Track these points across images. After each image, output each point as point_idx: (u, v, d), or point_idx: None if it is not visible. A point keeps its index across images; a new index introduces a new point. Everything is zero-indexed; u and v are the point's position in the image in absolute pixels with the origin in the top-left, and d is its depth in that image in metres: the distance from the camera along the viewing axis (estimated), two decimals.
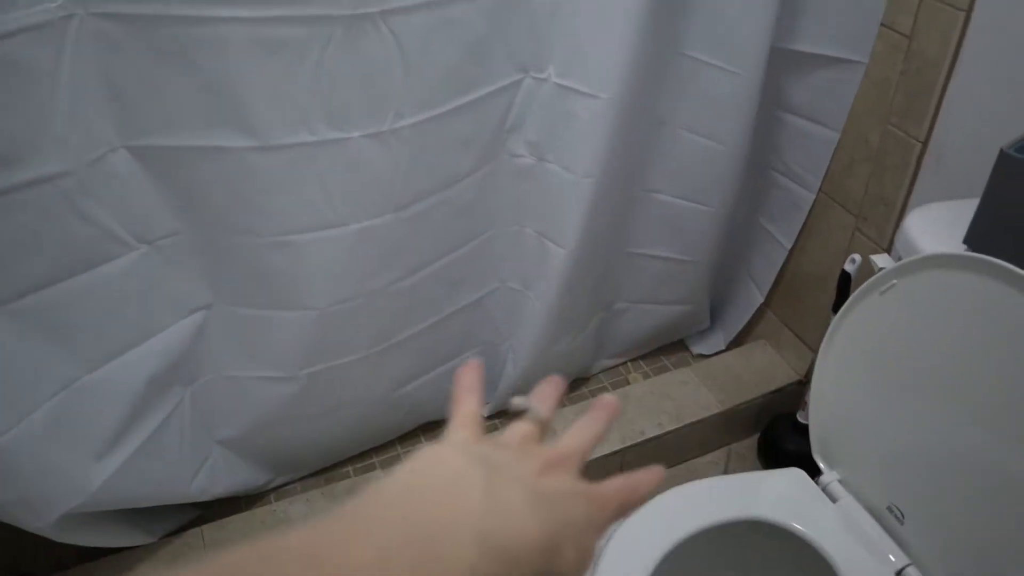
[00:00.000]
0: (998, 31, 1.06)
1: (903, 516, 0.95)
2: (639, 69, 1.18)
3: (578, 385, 1.70)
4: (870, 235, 1.36)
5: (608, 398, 0.43)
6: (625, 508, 0.38)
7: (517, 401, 0.41)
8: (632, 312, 1.64)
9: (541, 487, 0.35)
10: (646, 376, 1.73)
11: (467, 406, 0.40)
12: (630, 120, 1.24)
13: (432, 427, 1.57)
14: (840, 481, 1.03)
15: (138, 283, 1.05)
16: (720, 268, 1.66)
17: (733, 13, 1.22)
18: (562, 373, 1.50)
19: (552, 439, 0.41)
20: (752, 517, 0.99)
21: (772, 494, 1.03)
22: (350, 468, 1.51)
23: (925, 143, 1.21)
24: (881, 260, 1.00)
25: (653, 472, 0.40)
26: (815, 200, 1.45)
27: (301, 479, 1.48)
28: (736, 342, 1.75)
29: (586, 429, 0.41)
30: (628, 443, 1.45)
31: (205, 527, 1.31)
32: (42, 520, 1.03)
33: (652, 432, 1.48)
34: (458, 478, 0.33)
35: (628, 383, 1.70)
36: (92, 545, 1.17)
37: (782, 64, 1.34)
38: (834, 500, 1.02)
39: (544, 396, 0.43)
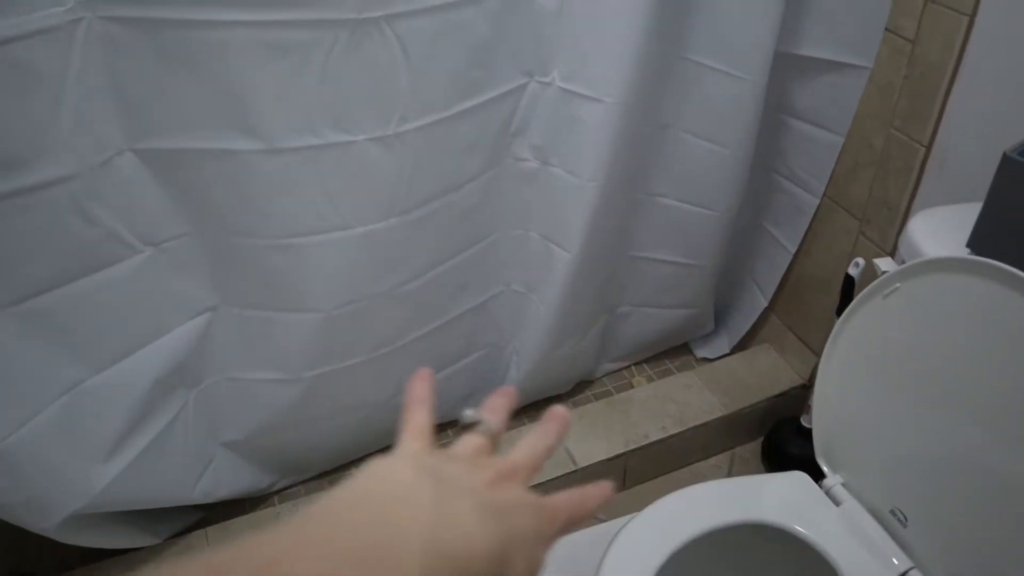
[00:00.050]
0: (1002, 35, 1.06)
1: (906, 519, 0.95)
2: (643, 73, 1.19)
3: (582, 388, 1.70)
4: (874, 239, 1.36)
5: (559, 409, 0.43)
6: (574, 521, 0.39)
7: (468, 413, 0.42)
8: (636, 316, 1.64)
9: (491, 499, 0.35)
10: (650, 379, 1.73)
11: (418, 417, 0.41)
12: (634, 124, 1.24)
13: (434, 430, 1.57)
14: (843, 484, 1.03)
15: (144, 285, 1.05)
16: (724, 272, 1.67)
17: (737, 17, 1.22)
18: (566, 376, 1.50)
19: (503, 451, 0.41)
20: (755, 520, 0.99)
21: (775, 497, 1.03)
22: (353, 471, 1.50)
23: (929, 147, 1.21)
24: (884, 264, 1.00)
25: (602, 487, 0.41)
26: (819, 204, 1.45)
27: (305, 482, 1.48)
28: (740, 346, 1.75)
29: (537, 441, 0.41)
30: (632, 447, 1.45)
31: (209, 529, 1.31)
32: (47, 521, 1.04)
33: (656, 436, 1.48)
34: (408, 490, 0.33)
35: (632, 386, 1.70)
36: (96, 546, 1.17)
37: (786, 68, 1.34)
38: (837, 503, 1.02)
39: (496, 408, 0.43)
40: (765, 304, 1.64)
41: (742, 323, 1.72)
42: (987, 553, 0.87)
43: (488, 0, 1.06)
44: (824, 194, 1.44)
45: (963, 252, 0.91)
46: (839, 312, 1.03)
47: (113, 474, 1.09)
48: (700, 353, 1.79)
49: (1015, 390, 0.80)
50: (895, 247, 1.28)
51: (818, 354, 1.43)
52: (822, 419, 1.06)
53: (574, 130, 1.22)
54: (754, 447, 1.61)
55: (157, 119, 0.95)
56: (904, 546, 0.95)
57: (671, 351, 1.79)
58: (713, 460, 1.60)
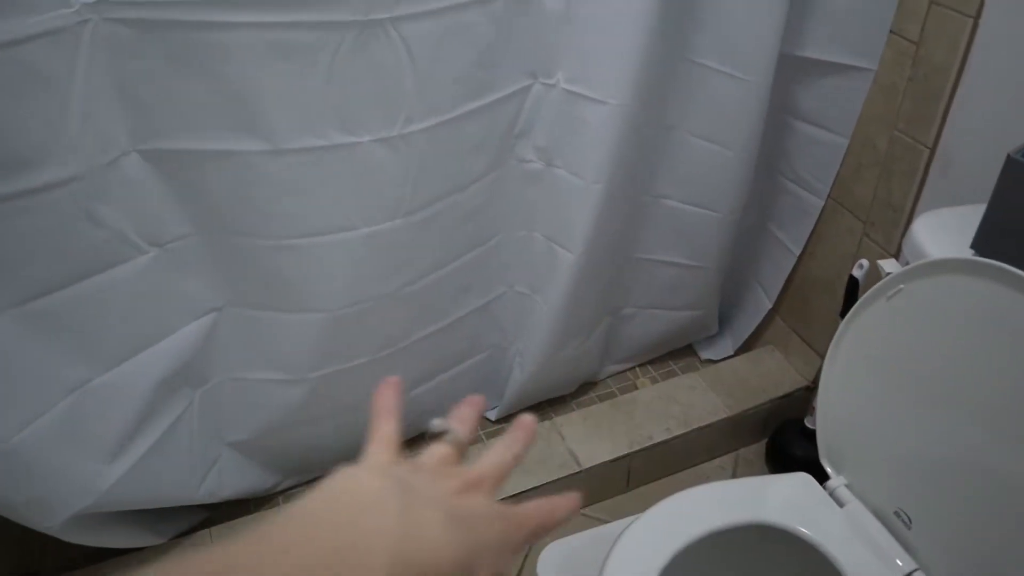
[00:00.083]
0: (1006, 37, 1.06)
1: (910, 521, 0.95)
2: (648, 75, 1.19)
3: (586, 389, 1.70)
4: (878, 240, 1.36)
5: (527, 419, 0.43)
6: (540, 531, 0.39)
7: (436, 423, 0.42)
8: (640, 317, 1.64)
9: (457, 508, 0.35)
10: (654, 381, 1.73)
11: (385, 427, 0.40)
12: (638, 126, 1.24)
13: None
14: (847, 486, 1.03)
15: (149, 286, 1.05)
16: (729, 273, 1.67)
17: (741, 19, 1.22)
18: (570, 378, 1.50)
19: (470, 461, 0.41)
20: (759, 521, 0.99)
21: (779, 498, 1.02)
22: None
23: (933, 149, 1.21)
24: (889, 265, 1.00)
25: (569, 498, 0.41)
26: (823, 206, 1.45)
27: (309, 482, 1.48)
28: (744, 347, 1.75)
29: (504, 450, 0.42)
30: (636, 448, 1.45)
31: (213, 528, 1.32)
32: (52, 520, 1.04)
33: (660, 437, 1.48)
34: (374, 499, 0.33)
35: (636, 388, 1.71)
36: (101, 546, 1.17)
37: (791, 70, 1.34)
38: (841, 505, 1.01)
39: (463, 418, 0.43)
40: (769, 306, 1.64)
41: (746, 325, 1.72)
42: (991, 554, 0.87)
43: (493, 2, 1.06)
44: (828, 196, 1.44)
45: (967, 254, 0.91)
46: (843, 314, 1.03)
47: (118, 474, 1.09)
48: (704, 355, 1.79)
49: (1020, 391, 0.80)
50: (899, 249, 1.28)
51: (822, 356, 1.42)
52: (826, 420, 1.06)
53: (578, 132, 1.22)
54: (758, 448, 1.61)
55: (163, 120, 0.95)
56: (908, 547, 0.95)
57: (675, 353, 1.79)
58: (717, 461, 1.60)
